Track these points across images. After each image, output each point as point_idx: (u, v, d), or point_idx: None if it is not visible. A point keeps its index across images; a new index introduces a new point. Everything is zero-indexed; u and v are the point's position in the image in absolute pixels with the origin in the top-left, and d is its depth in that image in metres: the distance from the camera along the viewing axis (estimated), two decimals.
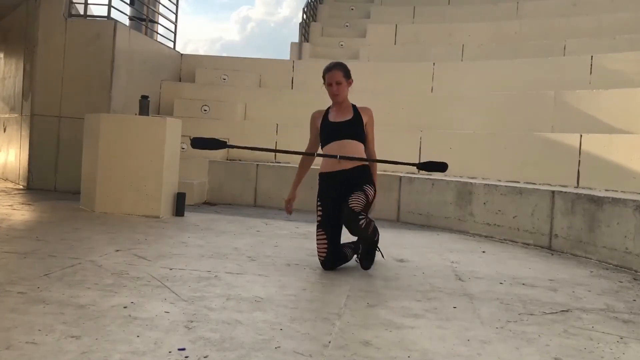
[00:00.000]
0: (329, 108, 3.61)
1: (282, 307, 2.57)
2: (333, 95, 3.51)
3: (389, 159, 3.65)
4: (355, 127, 3.48)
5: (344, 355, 2.02)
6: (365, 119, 3.52)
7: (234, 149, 3.95)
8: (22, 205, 5.43)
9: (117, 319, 2.24)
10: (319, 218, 3.45)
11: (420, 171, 3.82)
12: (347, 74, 3.52)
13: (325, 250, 3.37)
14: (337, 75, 3.48)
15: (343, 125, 3.48)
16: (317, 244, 3.42)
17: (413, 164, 3.69)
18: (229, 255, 3.66)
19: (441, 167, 3.66)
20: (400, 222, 5.85)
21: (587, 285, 3.39)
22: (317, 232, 3.43)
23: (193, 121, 7.15)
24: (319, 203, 3.48)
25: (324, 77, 3.53)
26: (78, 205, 5.46)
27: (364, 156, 3.50)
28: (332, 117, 3.53)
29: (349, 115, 3.51)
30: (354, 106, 3.57)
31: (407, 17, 10.42)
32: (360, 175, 3.43)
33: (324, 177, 3.53)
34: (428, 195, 5.67)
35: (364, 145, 3.52)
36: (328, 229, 3.39)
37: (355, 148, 3.46)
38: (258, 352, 1.99)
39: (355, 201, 3.25)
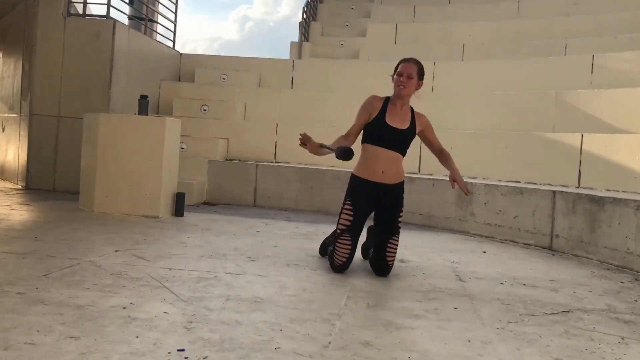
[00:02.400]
0: (387, 99, 3.39)
1: (282, 307, 2.55)
2: (399, 87, 3.31)
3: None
4: (407, 140, 3.40)
5: (344, 356, 2.00)
6: (419, 128, 3.43)
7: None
8: (20, 206, 5.42)
9: (116, 320, 2.23)
10: (348, 223, 3.31)
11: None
12: (421, 74, 3.36)
13: (348, 255, 3.30)
14: (411, 68, 3.32)
15: (399, 135, 3.34)
16: (340, 247, 3.30)
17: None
18: (229, 255, 3.64)
19: None
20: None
21: (588, 286, 3.38)
22: (341, 236, 3.30)
23: (192, 121, 7.14)
24: (349, 206, 3.34)
25: (396, 67, 3.37)
26: (77, 205, 5.45)
27: (403, 172, 3.45)
28: (390, 119, 3.33)
29: (406, 123, 3.37)
30: (412, 110, 3.45)
31: (408, 16, 10.40)
32: (400, 193, 3.42)
33: (362, 182, 3.37)
34: (429, 195, 5.66)
35: (432, 147, 3.54)
36: (355, 235, 3.33)
37: (399, 164, 3.41)
38: (257, 352, 1.98)
39: (392, 254, 3.34)
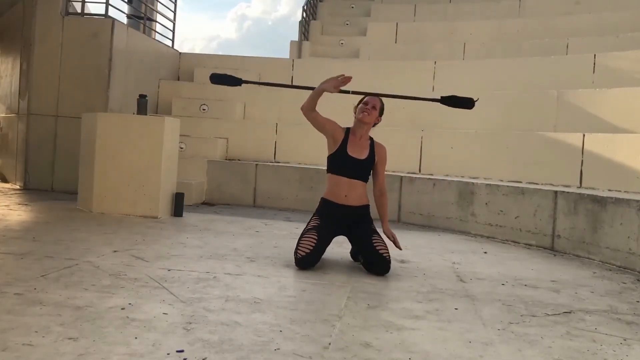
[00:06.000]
0: (348, 131, 3.59)
1: (282, 308, 2.54)
2: (362, 116, 3.52)
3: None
4: (366, 169, 3.57)
5: (344, 357, 1.99)
6: (377, 158, 3.58)
7: (249, 84, 4.01)
8: (18, 206, 5.40)
9: (115, 321, 2.21)
10: (315, 224, 3.44)
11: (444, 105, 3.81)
12: (382, 110, 3.59)
13: (312, 247, 3.29)
14: (376, 101, 3.56)
15: (357, 165, 3.52)
16: (303, 240, 3.34)
17: (435, 99, 3.75)
18: (228, 256, 3.63)
19: (466, 103, 3.67)
20: (401, 223, 5.82)
21: (590, 287, 3.36)
22: (305, 234, 3.37)
23: (192, 120, 7.12)
24: (317, 219, 3.49)
25: (361, 100, 3.60)
26: (75, 205, 5.43)
27: (366, 196, 3.58)
28: (351, 149, 3.52)
29: (365, 153, 3.54)
30: (371, 140, 3.61)
31: (408, 15, 10.39)
32: (365, 213, 3.56)
33: (327, 204, 3.55)
34: (429, 195, 5.64)
35: (375, 180, 3.61)
36: (320, 234, 3.36)
37: (361, 190, 3.55)
38: (257, 354, 1.96)
39: (382, 246, 3.36)
